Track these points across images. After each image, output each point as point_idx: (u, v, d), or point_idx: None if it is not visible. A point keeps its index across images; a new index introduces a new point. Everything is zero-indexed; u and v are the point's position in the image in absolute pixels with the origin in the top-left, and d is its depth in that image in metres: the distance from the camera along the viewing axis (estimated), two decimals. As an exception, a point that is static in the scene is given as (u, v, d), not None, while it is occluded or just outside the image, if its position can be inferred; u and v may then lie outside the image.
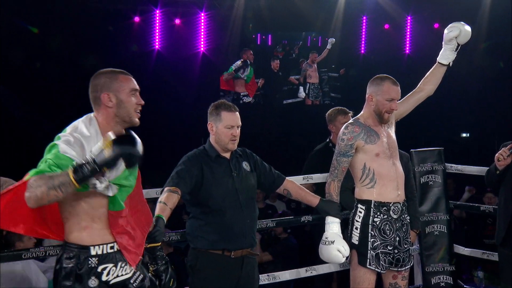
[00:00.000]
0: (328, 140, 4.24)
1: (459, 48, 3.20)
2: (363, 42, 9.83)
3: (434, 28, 9.20)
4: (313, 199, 3.05)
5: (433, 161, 4.19)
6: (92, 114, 2.29)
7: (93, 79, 2.30)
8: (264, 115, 9.07)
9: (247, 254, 2.93)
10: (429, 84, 3.25)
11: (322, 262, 3.47)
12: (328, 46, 9.53)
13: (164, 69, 8.94)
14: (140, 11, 8.90)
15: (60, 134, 2.19)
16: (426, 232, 4.09)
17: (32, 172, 2.09)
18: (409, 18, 9.71)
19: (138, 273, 2.32)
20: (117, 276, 2.25)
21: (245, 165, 3.02)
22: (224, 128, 2.92)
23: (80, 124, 2.24)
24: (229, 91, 9.37)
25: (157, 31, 9.01)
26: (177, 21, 9.05)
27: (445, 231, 4.09)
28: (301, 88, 9.65)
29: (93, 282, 2.20)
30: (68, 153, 2.11)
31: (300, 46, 9.65)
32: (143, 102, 2.31)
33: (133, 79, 2.32)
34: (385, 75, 3.10)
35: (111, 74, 2.29)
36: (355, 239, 3.03)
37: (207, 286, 2.88)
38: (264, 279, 3.44)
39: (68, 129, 2.22)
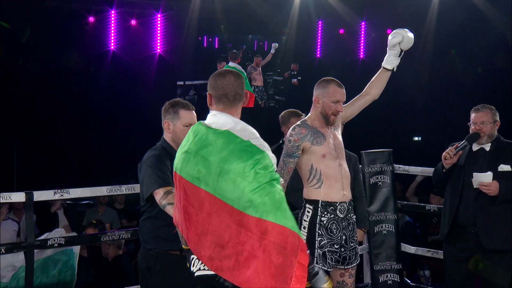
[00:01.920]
0: (281, 141, 4.30)
1: (402, 53, 3.30)
2: (318, 46, 9.99)
3: (387, 33, 9.39)
4: None
5: (382, 162, 4.29)
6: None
7: (237, 77, 2.21)
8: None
9: None
10: (374, 88, 3.34)
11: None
12: (272, 51, 9.60)
13: (120, 70, 8.84)
14: (95, 11, 8.78)
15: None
16: (375, 231, 4.19)
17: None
18: (363, 23, 9.93)
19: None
20: (199, 269, 2.16)
21: None
22: (183, 126, 2.91)
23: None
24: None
25: (112, 31, 8.90)
26: (133, 22, 8.97)
27: (393, 230, 4.20)
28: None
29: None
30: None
31: (244, 50, 9.73)
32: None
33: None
34: (330, 77, 3.17)
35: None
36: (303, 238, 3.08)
37: (167, 287, 2.85)
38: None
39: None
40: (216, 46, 9.59)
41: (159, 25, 9.03)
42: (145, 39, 9.10)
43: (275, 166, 2.06)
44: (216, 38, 9.56)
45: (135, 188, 3.53)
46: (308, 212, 3.09)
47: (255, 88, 9.65)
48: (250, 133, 2.11)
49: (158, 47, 9.11)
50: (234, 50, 9.26)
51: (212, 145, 2.07)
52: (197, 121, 2.89)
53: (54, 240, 3.26)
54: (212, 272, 2.12)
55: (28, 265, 3.10)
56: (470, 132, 3.51)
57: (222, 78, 2.21)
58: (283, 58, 9.83)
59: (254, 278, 1.95)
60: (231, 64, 9.13)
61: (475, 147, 3.51)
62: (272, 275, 1.93)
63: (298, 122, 3.16)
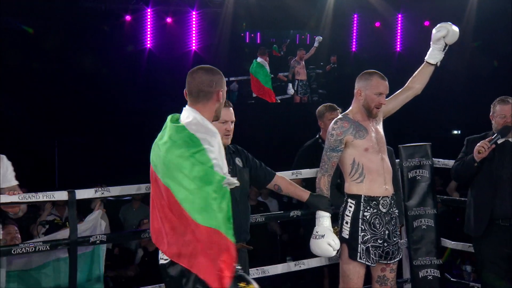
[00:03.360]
0: (317, 136, 4.29)
1: (447, 48, 3.25)
2: (354, 40, 9.87)
3: (425, 26, 9.23)
4: (303, 194, 3.08)
5: (421, 156, 4.22)
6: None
7: (206, 74, 2.29)
8: (254, 112, 9.09)
9: (240, 247, 2.96)
10: (417, 83, 3.30)
11: (312, 256, 3.53)
12: (316, 44, 9.55)
13: (156, 67, 8.93)
14: (132, 10, 8.90)
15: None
16: (414, 226, 4.12)
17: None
18: (399, 16, 9.76)
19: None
20: None
21: (238, 161, 3.05)
22: (218, 123, 2.95)
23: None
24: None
25: (148, 30, 9.00)
26: (169, 19, 9.05)
27: (432, 225, 4.13)
28: (290, 85, 9.65)
29: None
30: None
31: (287, 44, 9.68)
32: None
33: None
34: (373, 70, 3.14)
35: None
36: (345, 234, 3.07)
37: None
38: (253, 273, 3.47)
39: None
40: (258, 41, 9.56)
41: (194, 22, 9.08)
42: (180, 37, 9.18)
43: (217, 161, 2.11)
44: (258, 34, 9.53)
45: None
46: (351, 207, 3.08)
47: (298, 82, 9.62)
48: (201, 127, 2.18)
49: (194, 44, 9.16)
50: (262, 47, 9.28)
51: (165, 136, 2.17)
52: (234, 118, 2.96)
53: (96, 237, 3.32)
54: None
55: (72, 262, 3.17)
56: (495, 125, 3.46)
57: (191, 75, 2.32)
58: (318, 53, 9.76)
59: (207, 268, 2.04)
60: (258, 59, 9.15)
61: (499, 140, 3.45)
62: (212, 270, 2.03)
63: (340, 116, 3.15)
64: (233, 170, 2.99)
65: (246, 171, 3.07)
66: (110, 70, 8.35)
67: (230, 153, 3.04)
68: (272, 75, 9.40)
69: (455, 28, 3.20)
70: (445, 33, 3.19)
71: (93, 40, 8.42)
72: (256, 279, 3.50)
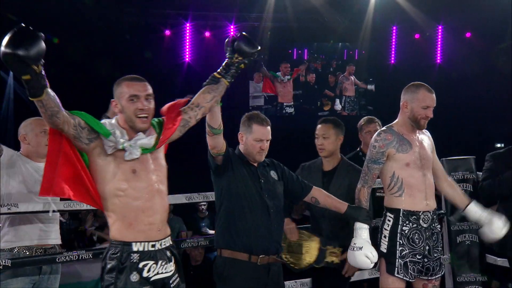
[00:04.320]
0: (358, 149, 4.27)
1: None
2: (393, 52, 9.77)
3: (466, 37, 9.08)
4: (341, 206, 3.06)
5: (465, 169, 4.13)
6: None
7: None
8: (297, 125, 9.09)
9: (273, 261, 2.95)
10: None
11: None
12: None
13: (195, 81, 9.01)
14: (171, 24, 9.06)
15: None
16: (458, 241, 4.02)
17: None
18: (440, 27, 9.62)
19: (177, 275, 2.42)
20: (157, 273, 2.33)
21: (273, 174, 3.06)
22: (253, 140, 2.96)
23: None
24: (258, 106, 9.46)
25: (187, 44, 9.14)
26: (207, 33, 9.17)
27: (477, 240, 4.01)
28: (337, 101, 9.68)
29: (134, 276, 2.29)
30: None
31: (336, 59, 9.69)
32: (141, 107, 2.33)
33: (139, 84, 2.39)
34: (420, 82, 3.10)
35: (119, 81, 2.42)
36: (383, 247, 3.02)
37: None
38: (291, 285, 3.43)
39: None
40: (306, 57, 9.61)
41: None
42: (218, 50, 9.25)
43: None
44: (306, 50, 9.58)
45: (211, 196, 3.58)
46: (389, 221, 3.03)
47: (346, 98, 9.61)
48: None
49: (231, 58, 9.24)
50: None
51: None
52: (269, 137, 2.99)
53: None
54: (168, 274, 2.36)
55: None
56: None
57: None
58: (357, 66, 9.70)
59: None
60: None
61: None
62: None
63: (384, 128, 3.11)
64: (267, 183, 2.99)
65: (281, 183, 3.08)
66: (150, 82, 8.48)
67: (264, 166, 3.05)
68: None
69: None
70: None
71: (133, 54, 8.59)
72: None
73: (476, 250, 4.02)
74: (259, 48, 2.55)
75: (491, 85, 8.27)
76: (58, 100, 2.13)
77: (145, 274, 2.30)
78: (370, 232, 3.02)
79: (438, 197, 3.30)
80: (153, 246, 2.33)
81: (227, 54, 2.55)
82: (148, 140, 2.34)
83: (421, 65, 9.44)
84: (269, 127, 3.01)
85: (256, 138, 2.96)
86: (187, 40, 9.12)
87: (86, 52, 8.12)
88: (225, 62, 2.55)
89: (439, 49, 9.68)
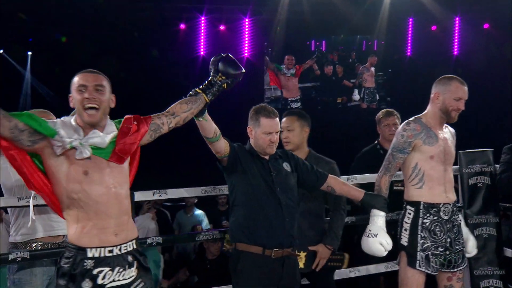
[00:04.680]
0: (376, 142, 4.24)
1: None
2: (409, 44, 9.68)
3: (484, 28, 8.95)
4: (358, 193, 3.05)
5: (482, 162, 4.08)
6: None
7: None
8: (319, 118, 9.05)
9: (287, 254, 2.94)
10: None
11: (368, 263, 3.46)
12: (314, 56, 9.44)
13: (209, 74, 9.03)
14: (186, 18, 9.06)
15: None
16: (475, 234, 3.97)
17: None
18: (457, 19, 9.49)
19: (139, 280, 2.33)
20: (113, 280, 2.24)
21: (286, 166, 3.05)
22: (262, 133, 2.95)
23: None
24: (276, 97, 9.42)
25: (202, 37, 9.14)
26: (222, 27, 9.16)
27: (494, 233, 3.97)
28: (356, 91, 9.59)
29: (86, 284, 2.21)
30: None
31: (355, 50, 9.59)
32: (87, 96, 2.24)
33: (89, 75, 2.29)
34: (452, 75, 3.10)
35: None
36: (404, 241, 3.02)
37: (249, 287, 2.90)
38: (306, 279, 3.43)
39: None
40: (324, 49, 9.55)
41: (247, 30, 9.15)
42: (233, 44, 9.25)
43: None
44: (324, 42, 9.52)
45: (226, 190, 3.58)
46: (409, 214, 3.02)
47: (365, 90, 9.54)
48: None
49: (246, 51, 9.22)
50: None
51: None
52: (279, 128, 2.97)
53: (153, 239, 3.37)
54: (126, 281, 2.27)
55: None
56: None
57: None
58: (356, 62, 9.65)
59: None
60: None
61: None
62: None
63: (413, 118, 3.11)
64: (279, 176, 2.98)
65: (294, 175, 3.06)
66: (164, 77, 8.51)
67: (275, 159, 3.04)
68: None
69: None
70: None
71: (148, 48, 8.61)
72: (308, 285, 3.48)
73: (494, 243, 3.97)
74: (243, 71, 2.58)
75: (509, 76, 8.14)
76: None
77: (99, 281, 2.21)
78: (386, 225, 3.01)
79: (455, 189, 3.27)
80: (110, 251, 2.24)
81: (211, 72, 2.57)
82: (101, 139, 2.24)
83: (437, 57, 9.33)
84: (277, 119, 3.00)
85: (264, 131, 2.94)
86: (202, 34, 9.12)
87: (98, 48, 8.16)
88: (208, 79, 2.57)
89: (456, 40, 9.57)
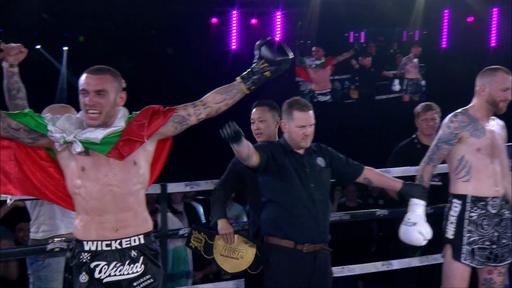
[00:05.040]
0: (414, 136, 4.18)
1: None
2: (444, 36, 9.48)
3: (522, 18, 8.70)
4: (396, 184, 3.02)
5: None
6: None
7: None
8: (357, 111, 8.96)
9: (319, 249, 2.93)
10: None
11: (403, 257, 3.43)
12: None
13: (241, 69, 9.00)
14: (218, 12, 9.08)
15: None
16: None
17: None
18: (495, 10, 9.26)
19: (147, 276, 2.26)
20: (109, 275, 2.21)
21: (320, 161, 3.02)
22: (296, 127, 2.93)
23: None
24: (306, 90, 9.35)
25: (234, 31, 9.14)
26: (254, 21, 9.14)
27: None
28: (396, 81, 9.38)
29: (83, 277, 2.20)
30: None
31: (396, 41, 9.38)
32: (88, 103, 2.20)
33: (92, 77, 2.22)
34: (496, 66, 3.06)
35: None
36: (449, 234, 3.03)
37: (280, 280, 2.89)
38: (339, 271, 3.41)
39: None
40: (362, 41, 9.42)
41: (278, 23, 9.11)
42: (264, 37, 9.19)
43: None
44: (362, 33, 9.39)
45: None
46: (456, 207, 3.01)
47: (408, 81, 9.36)
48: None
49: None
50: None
51: None
52: (312, 121, 2.93)
53: (184, 230, 3.40)
54: (128, 277, 2.21)
55: (162, 254, 3.26)
56: None
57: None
58: (397, 52, 9.47)
59: None
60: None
61: None
62: None
63: (460, 110, 3.09)
64: (313, 171, 2.96)
65: (328, 171, 3.03)
66: (196, 71, 8.56)
67: (310, 154, 3.01)
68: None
69: None
70: None
71: (179, 42, 8.66)
72: (345, 277, 3.46)
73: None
74: (289, 57, 2.36)
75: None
76: None
77: (96, 275, 2.20)
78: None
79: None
80: (108, 245, 2.21)
81: (255, 58, 2.39)
82: (94, 134, 2.18)
83: (474, 49, 9.12)
84: (311, 112, 2.97)
85: (298, 125, 2.93)
86: (234, 28, 9.12)
87: (129, 43, 8.26)
88: (251, 67, 2.38)
89: (493, 32, 9.33)
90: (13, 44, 2.65)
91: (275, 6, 9.02)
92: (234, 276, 3.38)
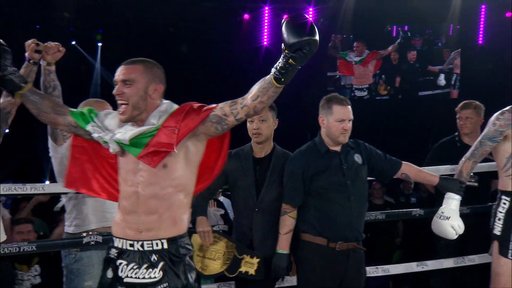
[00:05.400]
0: (456, 133, 4.11)
1: None
2: (481, 32, 9.27)
3: None
4: (433, 178, 3.03)
5: None
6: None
7: None
8: (401, 107, 8.84)
9: (353, 247, 2.91)
10: None
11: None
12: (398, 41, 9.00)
13: (272, 65, 9.01)
14: (250, 8, 9.08)
15: None
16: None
17: None
18: (533, 5, 9.00)
19: (165, 285, 2.13)
20: (127, 276, 2.16)
21: (357, 158, 3.00)
22: (335, 121, 2.93)
23: None
24: (346, 85, 9.24)
25: (265, 27, 9.13)
26: (285, 17, 9.08)
27: None
28: (442, 76, 9.16)
29: (109, 273, 2.20)
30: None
31: (444, 34, 9.16)
32: (114, 92, 2.17)
33: (121, 68, 2.18)
34: None
35: None
36: (497, 230, 3.01)
37: (312, 276, 2.89)
38: (372, 271, 3.38)
39: None
40: (407, 34, 9.22)
41: (310, 19, 9.03)
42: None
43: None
44: (406, 27, 9.22)
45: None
46: (505, 204, 3.00)
47: (457, 76, 9.17)
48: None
49: (312, 41, 9.12)
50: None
51: None
52: (351, 116, 2.90)
53: (219, 227, 3.39)
54: (144, 281, 2.11)
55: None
56: None
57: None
58: (445, 46, 9.27)
59: None
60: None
61: None
62: None
63: (508, 108, 3.04)
64: (350, 169, 2.94)
65: (365, 168, 3.01)
66: (227, 68, 8.58)
67: (347, 150, 2.99)
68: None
69: None
70: None
71: (211, 38, 8.69)
72: (377, 278, 3.43)
73: None
74: (311, 38, 1.94)
75: None
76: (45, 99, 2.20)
77: (119, 273, 2.17)
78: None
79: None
80: (131, 245, 2.16)
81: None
82: (122, 135, 2.12)
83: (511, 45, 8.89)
84: (349, 107, 2.96)
85: (337, 119, 2.92)
86: (266, 24, 9.10)
87: (165, 38, 8.31)
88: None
89: (532, 28, 9.07)
90: (52, 43, 2.72)
91: (307, 2, 8.96)
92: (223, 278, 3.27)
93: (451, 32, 9.17)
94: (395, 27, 9.17)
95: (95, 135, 2.18)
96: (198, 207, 3.00)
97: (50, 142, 2.94)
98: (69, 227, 3.09)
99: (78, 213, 3.05)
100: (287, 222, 2.90)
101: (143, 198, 2.15)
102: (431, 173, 3.08)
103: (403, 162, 3.07)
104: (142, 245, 2.15)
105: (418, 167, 3.11)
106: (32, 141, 7.72)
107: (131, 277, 2.15)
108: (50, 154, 2.98)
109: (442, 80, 9.15)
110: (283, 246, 2.88)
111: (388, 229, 5.76)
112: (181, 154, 2.13)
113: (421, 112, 8.83)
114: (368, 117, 8.06)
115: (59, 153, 2.93)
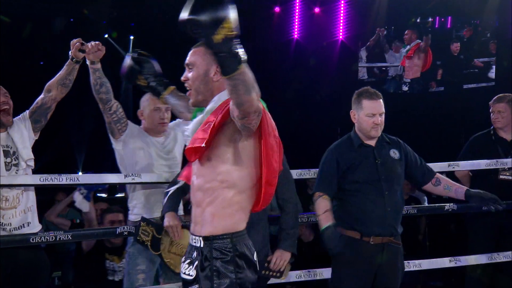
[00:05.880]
0: (492, 127, 4.04)
1: None
2: (516, 24, 9.00)
3: None
4: (462, 190, 3.03)
5: None
6: None
7: None
8: (442, 101, 8.68)
9: (388, 241, 2.88)
10: None
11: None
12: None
13: (302, 58, 8.98)
14: (281, 1, 9.04)
15: None
16: None
17: None
18: None
19: (195, 286, 2.00)
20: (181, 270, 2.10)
21: (393, 153, 2.98)
22: (365, 116, 2.92)
23: None
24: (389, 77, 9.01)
25: (296, 20, 9.08)
26: (317, 9, 9.05)
27: None
28: (494, 68, 8.70)
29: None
30: None
31: (492, 26, 8.74)
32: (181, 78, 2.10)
33: (189, 52, 2.10)
34: None
35: None
36: None
37: (346, 269, 2.88)
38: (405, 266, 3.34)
39: None
40: (449, 26, 8.94)
41: (342, 12, 8.96)
42: (327, 26, 9.11)
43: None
44: (449, 18, 8.95)
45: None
46: None
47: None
48: None
49: (341, 34, 9.04)
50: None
51: None
52: (382, 110, 2.87)
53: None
54: (187, 277, 2.03)
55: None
56: None
57: None
58: (477, 41, 9.03)
59: None
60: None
61: None
62: None
63: None
64: (384, 163, 2.91)
65: (401, 164, 2.98)
66: (258, 61, 8.56)
67: (382, 145, 2.97)
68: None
69: None
70: None
71: (242, 31, 8.67)
72: (409, 272, 3.39)
73: None
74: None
75: None
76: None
77: None
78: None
79: None
80: (193, 240, 2.06)
81: None
82: (187, 130, 2.12)
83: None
84: (380, 100, 2.94)
85: (367, 113, 2.90)
86: (296, 17, 9.06)
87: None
88: None
89: None
90: (92, 43, 2.90)
91: (339, -6, 8.89)
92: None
93: (497, 23, 8.80)
94: (438, 18, 8.88)
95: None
96: (168, 203, 2.85)
97: (110, 136, 3.15)
98: (131, 215, 3.22)
99: (137, 203, 3.18)
100: (322, 204, 2.85)
101: (193, 189, 2.07)
102: (460, 185, 3.08)
103: (436, 172, 3.06)
104: (192, 239, 2.06)
105: (450, 181, 3.09)
106: (65, 134, 7.87)
107: (184, 273, 2.06)
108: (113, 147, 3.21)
109: (492, 73, 8.73)
110: (324, 222, 2.80)
111: (411, 225, 5.68)
112: (228, 149, 1.97)
113: (466, 105, 8.55)
114: (419, 111, 7.90)
115: (117, 145, 3.15)
